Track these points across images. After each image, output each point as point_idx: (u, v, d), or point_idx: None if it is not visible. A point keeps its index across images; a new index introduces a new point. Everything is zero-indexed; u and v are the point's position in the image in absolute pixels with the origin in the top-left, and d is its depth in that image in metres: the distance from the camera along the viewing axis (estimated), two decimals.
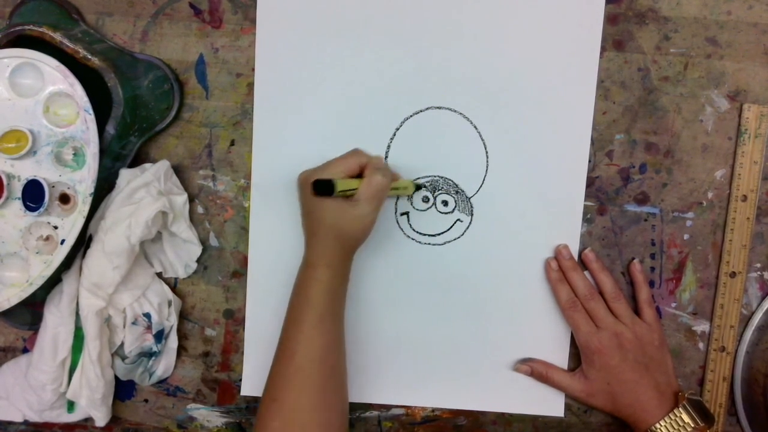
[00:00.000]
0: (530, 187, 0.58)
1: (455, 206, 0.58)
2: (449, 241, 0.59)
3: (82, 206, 0.51)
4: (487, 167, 0.58)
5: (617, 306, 0.56)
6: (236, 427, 0.62)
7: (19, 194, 0.51)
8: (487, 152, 0.58)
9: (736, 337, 0.58)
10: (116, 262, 0.52)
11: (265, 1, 0.57)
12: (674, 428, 0.53)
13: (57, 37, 0.52)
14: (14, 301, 0.51)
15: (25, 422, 0.59)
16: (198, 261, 0.59)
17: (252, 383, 0.60)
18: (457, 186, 0.58)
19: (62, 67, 0.51)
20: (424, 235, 0.59)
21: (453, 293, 0.59)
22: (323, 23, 0.57)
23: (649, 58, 0.57)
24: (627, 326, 0.55)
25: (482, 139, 0.58)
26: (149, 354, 0.57)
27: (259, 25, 0.57)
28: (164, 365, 0.59)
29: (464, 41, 0.57)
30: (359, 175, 0.52)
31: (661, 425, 0.53)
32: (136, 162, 0.57)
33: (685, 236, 0.58)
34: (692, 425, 0.53)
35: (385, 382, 0.60)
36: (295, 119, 0.58)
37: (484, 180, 0.58)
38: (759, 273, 0.58)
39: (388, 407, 0.61)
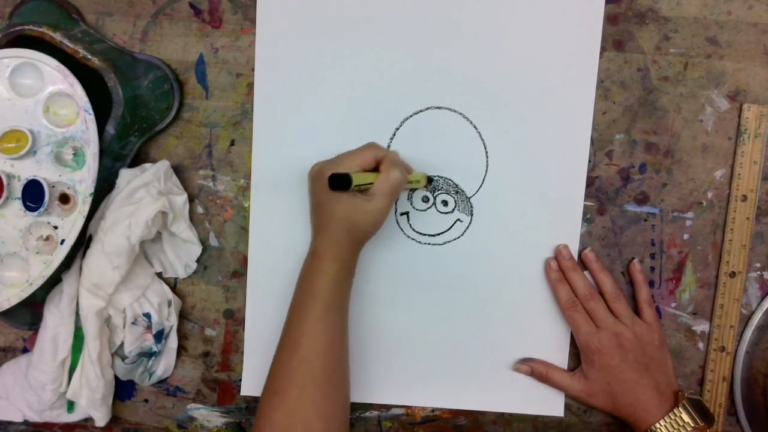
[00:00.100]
0: (530, 187, 0.58)
1: (455, 206, 0.58)
2: (449, 241, 0.59)
3: (82, 206, 0.51)
4: (486, 167, 0.58)
5: (617, 306, 0.56)
6: (236, 427, 0.62)
7: (19, 194, 0.51)
8: (486, 152, 0.58)
9: (735, 337, 0.58)
10: (116, 262, 0.52)
11: (265, 1, 0.57)
12: (674, 428, 0.53)
13: (57, 37, 0.51)
14: (14, 301, 0.51)
15: (25, 422, 0.59)
16: (198, 261, 0.59)
17: (252, 383, 0.60)
18: (457, 186, 0.58)
19: (62, 67, 0.51)
20: (424, 235, 0.59)
21: (453, 293, 0.59)
22: (323, 23, 0.57)
23: (649, 58, 0.57)
24: (627, 326, 0.55)
25: (482, 139, 0.58)
26: (149, 354, 0.57)
27: (259, 25, 0.57)
28: (164, 365, 0.59)
29: (464, 41, 0.57)
30: (374, 169, 0.52)
31: (661, 425, 0.53)
32: (136, 162, 0.57)
33: (685, 236, 0.58)
34: (692, 425, 0.53)
35: (385, 382, 0.60)
36: (295, 119, 0.58)
37: (483, 180, 0.58)
38: (759, 273, 0.58)
39: (388, 407, 0.61)
